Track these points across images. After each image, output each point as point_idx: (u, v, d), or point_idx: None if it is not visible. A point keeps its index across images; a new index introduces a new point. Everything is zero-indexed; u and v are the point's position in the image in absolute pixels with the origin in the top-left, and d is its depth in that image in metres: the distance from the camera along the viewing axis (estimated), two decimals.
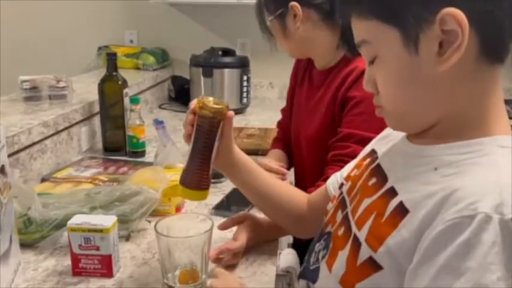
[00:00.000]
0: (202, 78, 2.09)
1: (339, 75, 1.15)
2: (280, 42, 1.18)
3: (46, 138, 1.27)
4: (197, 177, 0.77)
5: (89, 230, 0.79)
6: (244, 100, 2.14)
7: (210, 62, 2.07)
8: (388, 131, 0.76)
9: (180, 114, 2.13)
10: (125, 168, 1.32)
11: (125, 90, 1.48)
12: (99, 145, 1.55)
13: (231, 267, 0.86)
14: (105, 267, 0.81)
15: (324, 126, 1.17)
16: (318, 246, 0.69)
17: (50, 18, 2.51)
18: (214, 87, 2.09)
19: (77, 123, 1.45)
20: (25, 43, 2.51)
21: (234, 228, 0.93)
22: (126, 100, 1.48)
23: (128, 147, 1.48)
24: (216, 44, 2.22)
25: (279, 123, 1.48)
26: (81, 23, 2.50)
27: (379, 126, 1.09)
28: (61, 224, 0.91)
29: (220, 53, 2.12)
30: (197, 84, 2.12)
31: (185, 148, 1.53)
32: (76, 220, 0.81)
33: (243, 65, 2.11)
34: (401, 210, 0.52)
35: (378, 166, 0.63)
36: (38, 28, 2.52)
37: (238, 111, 2.15)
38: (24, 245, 0.89)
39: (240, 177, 0.84)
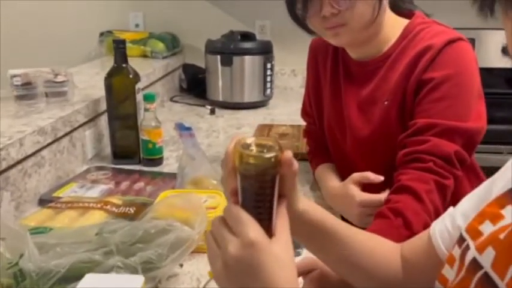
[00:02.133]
0: (220, 67, 1.83)
1: (402, 59, 0.91)
2: (360, 19, 0.89)
3: (43, 148, 1.03)
4: None
5: None
6: (268, 91, 1.89)
7: (229, 49, 1.81)
8: None
9: (196, 108, 1.88)
10: (141, 184, 1.08)
11: (137, 86, 1.23)
12: (107, 150, 1.30)
13: None
14: None
15: (386, 124, 0.93)
16: None
17: (44, 1, 2.23)
18: (233, 77, 1.84)
19: (80, 126, 1.20)
20: (15, 30, 2.24)
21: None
22: (139, 97, 1.23)
23: (141, 154, 1.24)
24: (231, 27, 1.96)
25: (307, 133, 1.20)
26: (79, 5, 2.22)
27: (465, 113, 0.85)
28: (65, 278, 0.67)
29: (239, 37, 1.85)
30: (214, 74, 1.86)
31: (216, 159, 1.30)
32: (89, 284, 0.57)
33: (266, 51, 1.85)
34: None
35: None
36: (30, 12, 2.24)
37: (260, 105, 1.90)
38: None
39: (312, 240, 0.59)
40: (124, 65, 1.21)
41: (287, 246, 0.47)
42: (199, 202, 0.75)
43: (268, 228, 0.47)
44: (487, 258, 0.46)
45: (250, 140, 0.48)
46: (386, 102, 0.93)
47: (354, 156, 1.01)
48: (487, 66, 1.98)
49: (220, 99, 1.87)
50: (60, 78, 1.25)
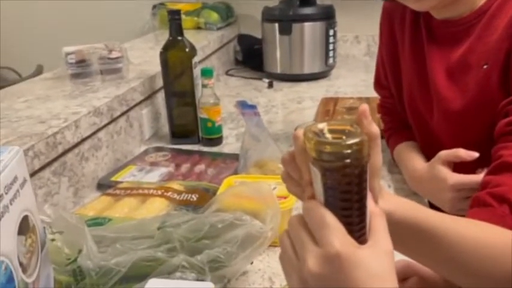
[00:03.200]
0: (278, 36, 1.71)
1: (503, 13, 0.75)
2: None
3: (99, 130, 0.97)
4: None
5: None
6: (330, 60, 1.75)
7: (288, 15, 1.68)
8: None
9: (253, 82, 1.78)
10: (201, 166, 1.01)
11: (194, 60, 1.14)
12: (165, 129, 1.24)
13: None
14: None
15: (485, 93, 0.78)
16: None
17: None
18: (292, 46, 1.71)
19: (136, 104, 1.14)
20: (67, 5, 2.22)
21: None
22: (196, 72, 1.15)
23: (200, 133, 1.17)
24: None
25: (382, 108, 1.06)
26: None
27: None
28: (126, 278, 0.61)
29: (298, 2, 1.71)
30: (271, 44, 1.74)
31: (278, 137, 1.21)
32: None
33: (328, 16, 1.70)
34: None
35: None
36: None
37: (322, 76, 1.77)
38: None
39: (404, 244, 0.48)
40: (180, 38, 1.12)
41: (384, 253, 0.38)
42: (270, 192, 0.66)
43: (359, 233, 0.38)
44: None
45: (321, 125, 0.38)
46: (485, 66, 0.77)
47: (443, 132, 0.87)
48: None
49: (278, 71, 1.76)
50: (114, 54, 1.19)
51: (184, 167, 1.00)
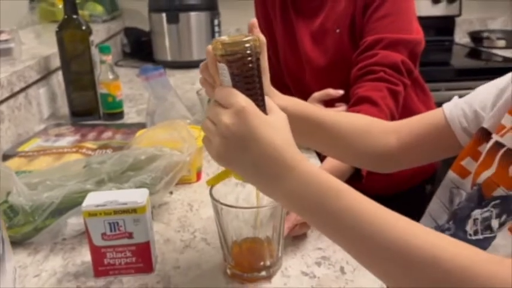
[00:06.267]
0: (166, 25, 1.80)
1: None
2: None
3: (1, 102, 0.98)
4: None
5: (116, 212, 0.56)
6: None
7: (174, 5, 1.78)
8: None
9: None
10: (108, 133, 1.06)
11: (91, 38, 1.19)
12: (64, 110, 1.26)
13: (301, 238, 0.67)
14: (142, 259, 0.59)
15: (340, 51, 1.01)
16: (481, 213, 0.52)
17: None
18: (180, 35, 1.82)
19: (34, 83, 1.15)
20: None
21: None
22: (94, 50, 1.19)
23: (101, 109, 1.21)
24: None
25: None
26: None
27: (407, 27, 0.95)
28: (60, 209, 0.66)
29: None
30: (160, 34, 1.83)
31: (190, 101, 1.29)
32: (93, 200, 0.57)
33: (211, 7, 1.85)
34: None
35: None
36: None
37: None
38: (12, 243, 0.64)
39: (297, 133, 0.57)
40: (75, 16, 1.16)
41: (283, 118, 0.48)
42: (184, 127, 0.76)
43: (262, 109, 0.50)
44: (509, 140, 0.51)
45: (223, 37, 0.51)
46: (338, 30, 1.01)
47: (314, 85, 1.08)
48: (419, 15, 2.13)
49: (169, 59, 1.85)
50: (4, 37, 1.18)
51: (91, 135, 1.05)
